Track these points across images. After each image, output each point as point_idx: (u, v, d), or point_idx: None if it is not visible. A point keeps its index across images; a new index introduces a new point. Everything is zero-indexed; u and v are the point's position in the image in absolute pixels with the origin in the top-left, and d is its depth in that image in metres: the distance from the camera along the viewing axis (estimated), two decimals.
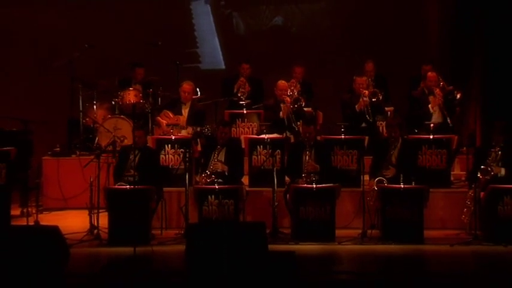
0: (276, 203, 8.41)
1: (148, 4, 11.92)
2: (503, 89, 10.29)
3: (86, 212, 8.54)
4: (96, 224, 8.40)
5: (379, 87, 10.28)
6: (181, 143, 9.27)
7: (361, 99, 9.92)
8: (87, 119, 10.40)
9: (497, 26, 10.33)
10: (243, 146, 9.29)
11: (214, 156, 8.79)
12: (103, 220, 8.36)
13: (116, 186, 8.50)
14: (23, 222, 8.54)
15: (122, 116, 10.17)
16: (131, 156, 8.62)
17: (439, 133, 9.36)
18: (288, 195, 8.52)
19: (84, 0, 11.90)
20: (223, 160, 8.75)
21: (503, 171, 8.48)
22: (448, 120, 9.65)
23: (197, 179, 8.78)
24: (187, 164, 8.63)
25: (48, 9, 11.66)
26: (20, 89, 11.30)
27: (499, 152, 8.55)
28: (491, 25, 10.42)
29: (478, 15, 10.61)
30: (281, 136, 9.44)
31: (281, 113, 9.92)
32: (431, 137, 9.23)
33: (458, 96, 9.70)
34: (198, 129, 9.71)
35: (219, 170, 8.68)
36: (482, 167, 8.42)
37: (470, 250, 8.04)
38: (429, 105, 9.82)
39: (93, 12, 11.81)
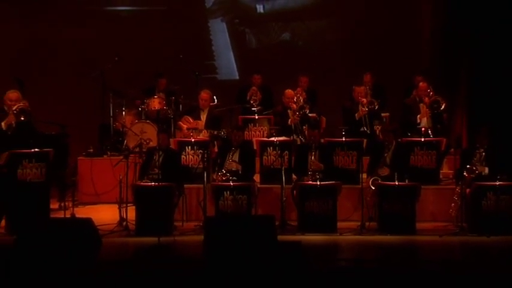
0: (284, 198, 8.39)
1: (172, 22, 11.88)
2: (486, 97, 10.22)
3: (116, 206, 8.53)
4: (125, 216, 8.37)
5: (376, 95, 10.24)
6: (200, 144, 9.25)
7: (360, 109, 9.89)
8: (117, 124, 10.39)
9: (480, 42, 10.30)
10: (255, 148, 9.25)
11: (229, 156, 8.77)
12: (131, 213, 8.34)
13: (142, 183, 8.48)
14: (60, 215, 8.55)
15: (147, 121, 10.16)
16: (155, 157, 8.62)
17: (429, 136, 9.32)
18: (294, 191, 8.50)
19: (115, 19, 11.89)
20: (237, 160, 8.73)
21: (486, 170, 8.42)
22: (429, 126, 9.59)
23: (214, 176, 8.74)
24: (205, 163, 8.65)
25: (84, 26, 11.64)
26: (59, 97, 11.26)
27: (483, 153, 8.50)
28: (476, 41, 10.39)
29: (465, 33, 10.57)
30: (289, 139, 9.40)
31: (289, 119, 9.88)
32: (422, 139, 9.19)
33: (443, 105, 9.65)
34: (215, 132, 9.72)
35: (233, 169, 8.66)
36: (468, 166, 8.37)
37: (457, 240, 8.00)
38: (418, 116, 9.77)
39: (123, 29, 11.80)
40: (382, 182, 8.41)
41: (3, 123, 8.07)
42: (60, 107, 10.91)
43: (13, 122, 8.04)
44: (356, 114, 9.91)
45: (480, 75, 10.35)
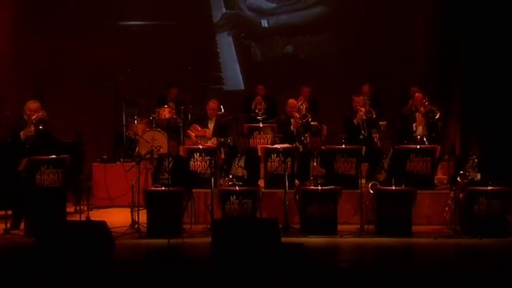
0: (287, 202, 8.37)
1: (181, 36, 11.87)
2: (478, 107, 10.23)
3: (129, 209, 8.53)
4: (136, 219, 8.38)
5: (374, 105, 10.24)
6: (207, 151, 9.25)
7: (358, 115, 9.91)
8: (129, 132, 10.39)
9: (471, 56, 10.33)
10: (260, 154, 9.24)
11: (235, 162, 8.77)
12: (142, 216, 8.33)
13: (153, 188, 8.49)
14: (76, 218, 8.55)
15: (158, 129, 10.15)
16: (165, 163, 8.62)
17: (425, 143, 9.31)
18: (297, 196, 8.49)
19: (128, 33, 11.90)
20: (243, 166, 8.73)
21: (478, 176, 8.42)
22: (425, 134, 9.60)
23: (221, 181, 8.73)
24: (213, 169, 8.62)
25: (99, 40, 11.66)
26: (75, 106, 11.26)
27: (475, 160, 8.49)
28: (467, 56, 10.42)
29: (456, 47, 10.61)
30: (291, 146, 9.39)
31: (291, 126, 9.90)
32: (418, 146, 9.17)
33: (437, 115, 9.65)
34: (222, 140, 9.72)
35: (239, 174, 8.65)
36: (461, 172, 8.36)
37: (451, 242, 7.99)
38: (414, 124, 9.77)
39: (136, 42, 11.81)
40: (380, 187, 8.40)
41: (23, 133, 8.13)
42: (76, 116, 10.91)
43: (32, 131, 8.09)
44: (354, 120, 9.91)
45: (472, 87, 10.38)
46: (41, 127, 8.08)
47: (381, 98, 10.62)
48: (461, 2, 10.45)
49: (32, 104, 8.27)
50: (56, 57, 11.57)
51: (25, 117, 8.22)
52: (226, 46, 12.12)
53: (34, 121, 8.08)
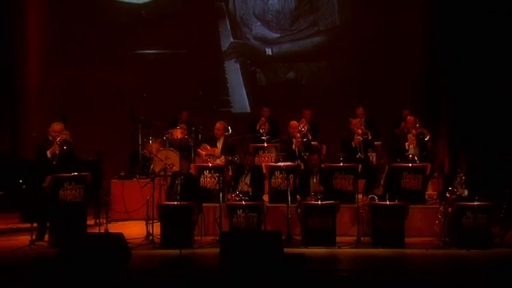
0: (290, 216, 8.38)
1: (192, 63, 11.95)
2: (464, 129, 10.30)
3: (144, 222, 8.53)
4: (151, 231, 8.37)
5: (369, 126, 10.29)
6: (216, 169, 9.26)
7: (355, 138, 9.95)
8: (145, 151, 10.41)
9: (458, 84, 10.45)
10: (264, 171, 9.23)
11: (242, 179, 8.79)
12: (156, 228, 8.33)
13: (166, 202, 8.49)
14: (96, 230, 8.56)
15: (171, 149, 10.16)
16: (177, 180, 8.62)
17: (416, 162, 9.34)
18: (299, 210, 8.49)
19: (144, 60, 12.00)
20: (248, 182, 8.75)
21: (466, 192, 8.43)
22: (416, 154, 9.63)
23: (228, 196, 8.72)
24: (221, 185, 8.65)
25: (117, 67, 11.78)
26: (95, 127, 11.32)
27: (463, 177, 8.51)
28: (453, 81, 10.53)
29: (445, 77, 10.72)
30: (293, 164, 9.39)
31: (293, 146, 9.94)
32: (410, 165, 9.19)
33: (428, 137, 9.70)
34: (230, 158, 9.72)
35: (245, 190, 8.68)
36: (449, 188, 8.37)
37: (441, 253, 7.98)
38: (406, 143, 9.82)
39: (150, 69, 11.91)
40: (375, 202, 8.42)
41: (48, 152, 8.19)
42: (96, 137, 10.95)
43: (57, 151, 8.16)
44: (352, 143, 9.95)
45: (458, 111, 10.48)
46: (65, 147, 8.14)
47: (374, 120, 10.65)
48: (449, 39, 10.61)
49: (57, 126, 8.33)
50: (79, 84, 11.69)
51: (50, 137, 8.28)
52: (234, 72, 12.20)
53: (59, 142, 8.14)
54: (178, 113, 10.76)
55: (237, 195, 8.55)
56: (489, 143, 10.05)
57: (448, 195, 8.31)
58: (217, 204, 8.48)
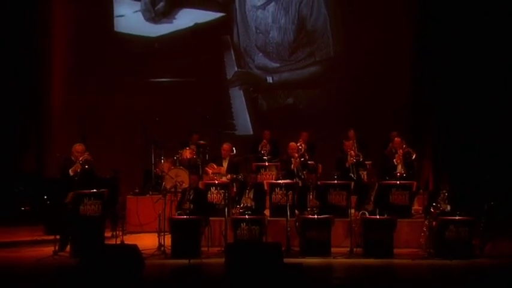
0: (289, 229, 8.39)
1: (200, 90, 11.96)
2: (447, 150, 10.34)
3: (156, 234, 8.54)
4: (163, 243, 8.38)
5: (361, 147, 10.32)
6: (222, 186, 9.27)
7: (348, 159, 9.99)
8: (157, 169, 10.42)
9: (440, 106, 10.52)
10: (266, 188, 9.26)
11: (245, 195, 8.83)
12: (167, 240, 8.34)
13: (177, 216, 8.50)
14: (112, 241, 8.59)
15: (181, 167, 10.19)
16: (187, 195, 8.65)
17: (403, 180, 9.38)
18: (297, 223, 8.48)
19: (156, 88, 12.01)
20: (251, 198, 8.79)
21: (448, 207, 8.45)
22: (403, 172, 9.67)
23: (233, 211, 8.75)
24: (226, 200, 8.67)
25: (133, 94, 11.78)
26: (112, 148, 11.29)
27: (446, 194, 8.53)
28: (437, 106, 10.60)
29: (429, 101, 10.79)
30: (292, 181, 9.39)
31: (292, 165, 9.97)
32: (398, 182, 9.22)
33: (414, 156, 9.75)
34: (234, 176, 9.73)
35: (248, 205, 8.70)
36: (433, 204, 8.40)
37: (426, 263, 7.98)
38: (394, 160, 9.87)
39: (162, 95, 11.92)
40: (367, 216, 8.44)
41: (71, 170, 8.25)
42: (113, 156, 10.93)
43: (78, 170, 8.22)
44: (346, 163, 10.00)
45: (441, 134, 10.55)
46: (87, 166, 8.20)
47: (365, 141, 10.66)
48: (434, 67, 10.71)
49: (79, 147, 8.39)
50: (98, 108, 11.72)
51: (73, 157, 8.34)
52: (238, 98, 12.23)
53: (81, 161, 8.21)
54: (189, 136, 10.78)
55: (241, 210, 8.55)
56: (470, 163, 10.09)
57: (432, 210, 8.34)
58: (223, 218, 8.50)
